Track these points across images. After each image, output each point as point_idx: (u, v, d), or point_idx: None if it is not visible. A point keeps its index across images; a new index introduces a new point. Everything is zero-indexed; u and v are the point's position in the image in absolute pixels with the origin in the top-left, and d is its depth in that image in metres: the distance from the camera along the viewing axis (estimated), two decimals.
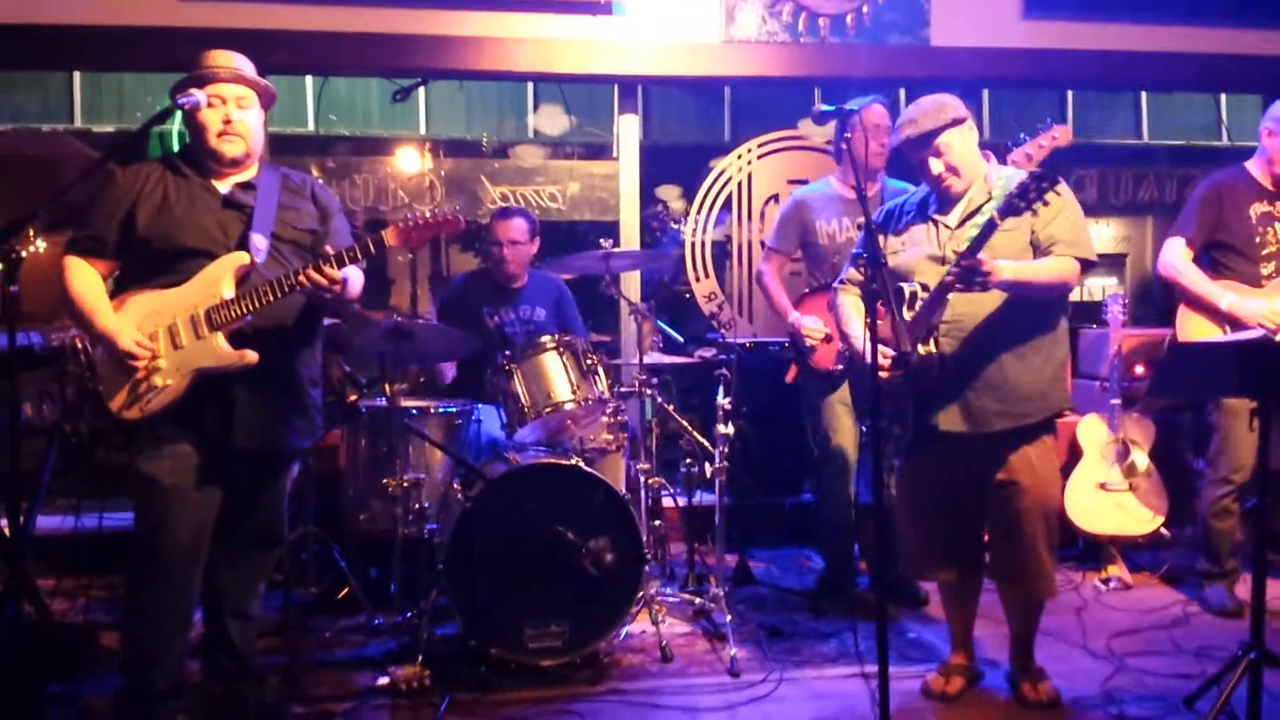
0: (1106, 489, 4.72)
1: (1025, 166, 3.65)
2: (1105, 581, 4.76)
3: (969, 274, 3.03)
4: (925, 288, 3.21)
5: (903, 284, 3.24)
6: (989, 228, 3.01)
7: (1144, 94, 8.69)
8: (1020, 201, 2.95)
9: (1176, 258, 4.37)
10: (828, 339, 4.41)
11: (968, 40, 5.53)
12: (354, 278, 3.26)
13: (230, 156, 3.19)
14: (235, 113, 3.18)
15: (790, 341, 4.59)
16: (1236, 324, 4.19)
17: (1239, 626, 3.96)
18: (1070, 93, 8.63)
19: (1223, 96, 7.89)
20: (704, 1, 5.38)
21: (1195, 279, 4.32)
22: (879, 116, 4.36)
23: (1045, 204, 2.98)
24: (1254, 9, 5.66)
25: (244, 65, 3.24)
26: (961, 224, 3.26)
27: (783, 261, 4.72)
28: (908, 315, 3.21)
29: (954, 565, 3.45)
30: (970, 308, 3.20)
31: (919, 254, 3.32)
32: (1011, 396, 3.23)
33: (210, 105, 3.15)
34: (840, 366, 4.39)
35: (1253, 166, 4.38)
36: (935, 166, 3.26)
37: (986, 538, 3.49)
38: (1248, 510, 4.39)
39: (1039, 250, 3.21)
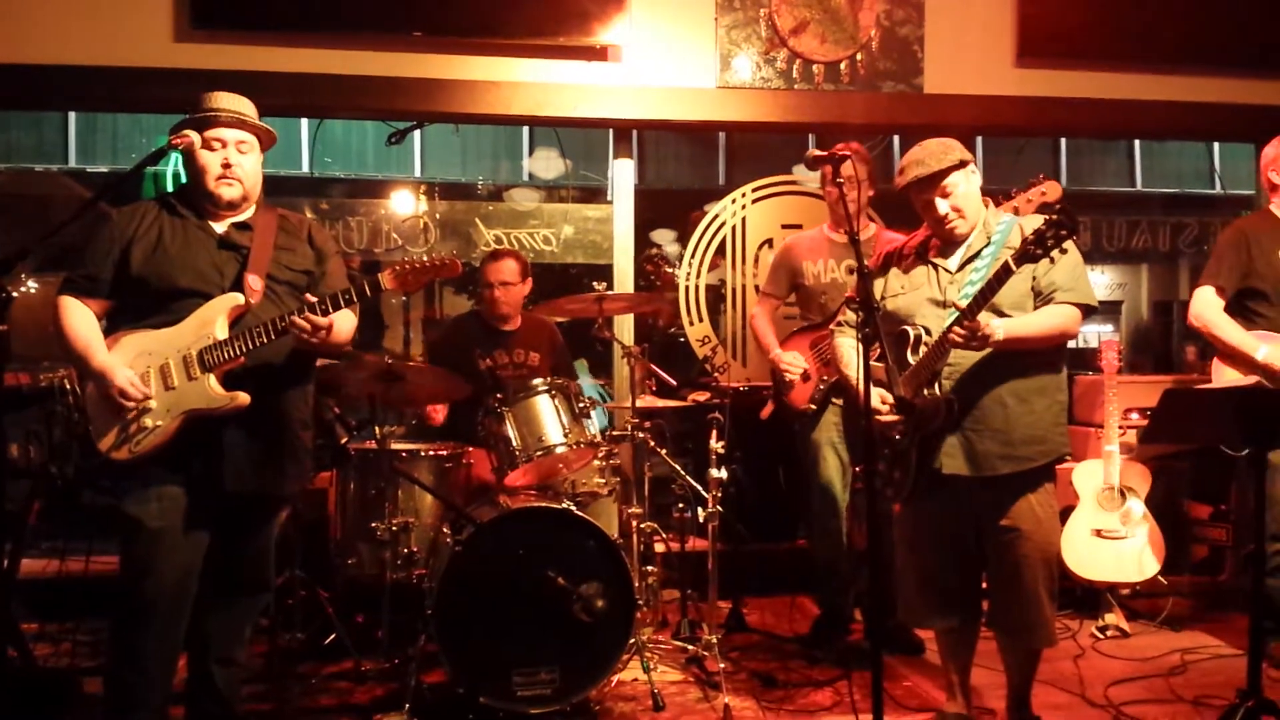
0: (1103, 535, 4.68)
1: None
2: (1102, 629, 4.72)
3: (969, 335, 3.02)
4: (927, 330, 3.20)
5: (906, 327, 3.24)
6: (1004, 273, 2.99)
7: (1137, 142, 8.75)
8: (1038, 249, 2.92)
9: (1207, 307, 4.24)
10: (805, 376, 4.45)
11: (961, 88, 5.56)
12: (345, 321, 3.25)
13: (228, 200, 3.20)
14: (234, 156, 3.19)
15: (771, 378, 4.62)
16: (1273, 377, 4.04)
17: (1237, 675, 3.91)
18: (1063, 140, 8.69)
19: (1215, 145, 7.96)
20: (699, 48, 5.41)
21: (1227, 329, 4.17)
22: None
23: (1063, 252, 2.94)
24: (1247, 58, 5.71)
25: (247, 108, 3.25)
26: (961, 268, 3.26)
27: (775, 305, 4.80)
28: (911, 359, 3.20)
29: (953, 612, 3.40)
30: (973, 351, 3.17)
31: (919, 297, 3.31)
32: (1013, 439, 3.20)
33: (209, 148, 3.16)
34: (814, 406, 4.43)
35: (1277, 209, 4.30)
36: (942, 207, 3.24)
37: (985, 585, 3.45)
38: (1246, 557, 4.36)
39: (1039, 296, 3.20)
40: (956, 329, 3.04)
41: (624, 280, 5.63)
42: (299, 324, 3.02)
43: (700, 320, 5.90)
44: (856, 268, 2.95)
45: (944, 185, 3.22)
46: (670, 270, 6.87)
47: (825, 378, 4.45)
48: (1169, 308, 12.03)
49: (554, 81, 5.27)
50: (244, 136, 3.22)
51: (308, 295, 3.08)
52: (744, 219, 5.91)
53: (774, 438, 4.74)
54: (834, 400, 4.47)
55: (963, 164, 3.24)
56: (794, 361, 4.50)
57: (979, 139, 7.68)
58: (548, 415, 4.02)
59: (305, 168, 6.99)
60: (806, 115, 5.56)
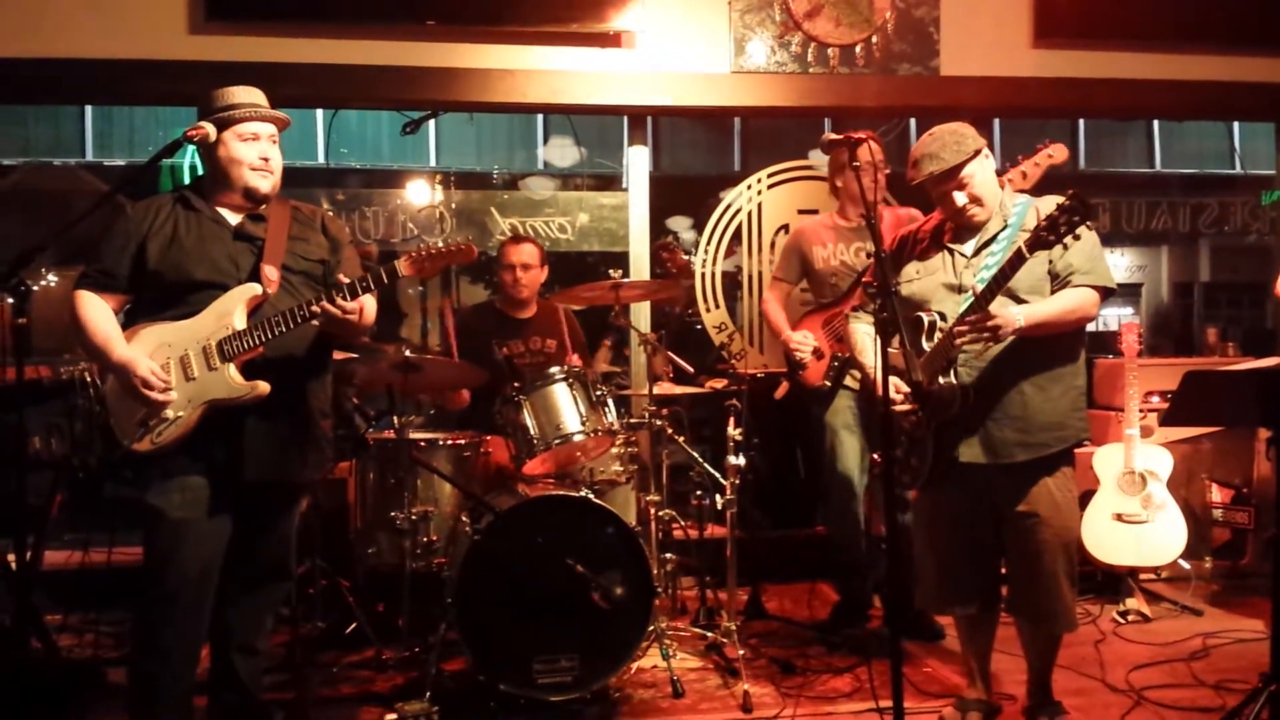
0: (1124, 520, 4.65)
1: (1020, 185, 3.72)
2: (1123, 614, 4.70)
3: (981, 325, 3.00)
4: (943, 316, 3.18)
5: (920, 313, 3.22)
6: (1018, 260, 2.97)
7: (1156, 123, 8.67)
8: (1050, 235, 2.90)
9: None
10: (818, 354, 4.45)
11: (977, 70, 5.51)
12: (369, 306, 3.26)
13: (264, 192, 3.21)
14: (270, 149, 3.20)
15: (785, 359, 4.63)
16: None
17: (1260, 659, 3.89)
18: (1082, 121, 8.62)
19: (1235, 124, 7.88)
20: (713, 33, 5.38)
21: None
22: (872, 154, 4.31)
23: (1077, 238, 2.93)
24: (1267, 36, 5.64)
25: (263, 100, 3.25)
26: (977, 252, 3.23)
27: (787, 290, 4.80)
28: (926, 345, 3.18)
29: (972, 599, 3.39)
30: (987, 345, 3.15)
31: (935, 282, 3.28)
32: (1031, 427, 3.18)
33: (244, 140, 3.16)
34: (828, 384, 4.43)
35: None
36: (960, 199, 3.20)
37: (1004, 570, 3.43)
38: (1268, 541, 4.33)
39: (1056, 279, 3.17)
40: (969, 320, 3.02)
41: (640, 268, 5.63)
42: (329, 309, 3.03)
43: (717, 307, 5.89)
44: (874, 252, 2.93)
45: (961, 178, 3.19)
46: (686, 257, 6.85)
47: (839, 354, 4.45)
48: (1189, 289, 11.91)
49: (568, 69, 5.26)
50: (274, 130, 3.24)
51: (340, 276, 3.09)
52: (760, 205, 5.89)
53: (792, 423, 4.73)
54: (848, 381, 4.46)
55: (976, 153, 3.19)
56: (804, 340, 4.50)
57: (996, 121, 7.64)
58: (565, 403, 4.02)
59: (321, 159, 7.00)
60: (821, 99, 5.53)
